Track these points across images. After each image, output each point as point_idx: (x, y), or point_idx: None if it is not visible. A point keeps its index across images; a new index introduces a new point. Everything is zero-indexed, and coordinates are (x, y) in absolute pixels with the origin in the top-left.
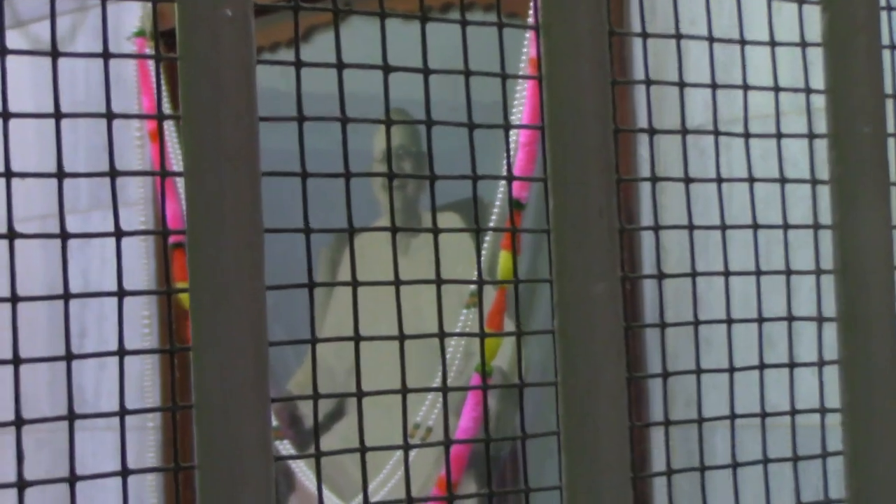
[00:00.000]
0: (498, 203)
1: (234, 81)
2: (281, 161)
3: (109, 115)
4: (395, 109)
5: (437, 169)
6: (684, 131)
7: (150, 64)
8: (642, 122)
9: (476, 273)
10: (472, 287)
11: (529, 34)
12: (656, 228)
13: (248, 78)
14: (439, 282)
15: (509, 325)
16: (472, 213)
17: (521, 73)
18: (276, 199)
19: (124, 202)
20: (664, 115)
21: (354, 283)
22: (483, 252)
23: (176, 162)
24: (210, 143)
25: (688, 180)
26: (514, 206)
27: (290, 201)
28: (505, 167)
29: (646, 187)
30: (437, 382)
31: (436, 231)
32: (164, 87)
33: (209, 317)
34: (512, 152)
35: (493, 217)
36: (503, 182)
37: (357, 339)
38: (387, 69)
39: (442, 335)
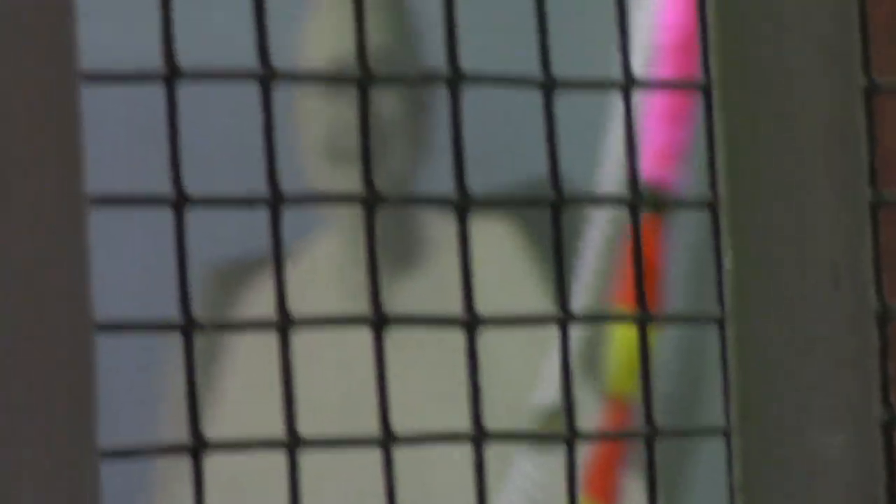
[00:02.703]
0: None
1: None
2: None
3: None
4: None
5: (471, 107)
6: None
7: None
8: None
9: (551, 374)
10: (545, 401)
11: None
12: None
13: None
14: (478, 436)
15: (633, 491)
16: (539, 219)
17: None
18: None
19: None
20: None
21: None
22: (571, 321)
23: None
24: None
25: None
26: (649, 203)
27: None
28: (618, 136)
29: None
30: None
31: (472, 323)
32: None
33: None
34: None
35: (595, 232)
36: (614, 149)
37: None
38: None
39: None
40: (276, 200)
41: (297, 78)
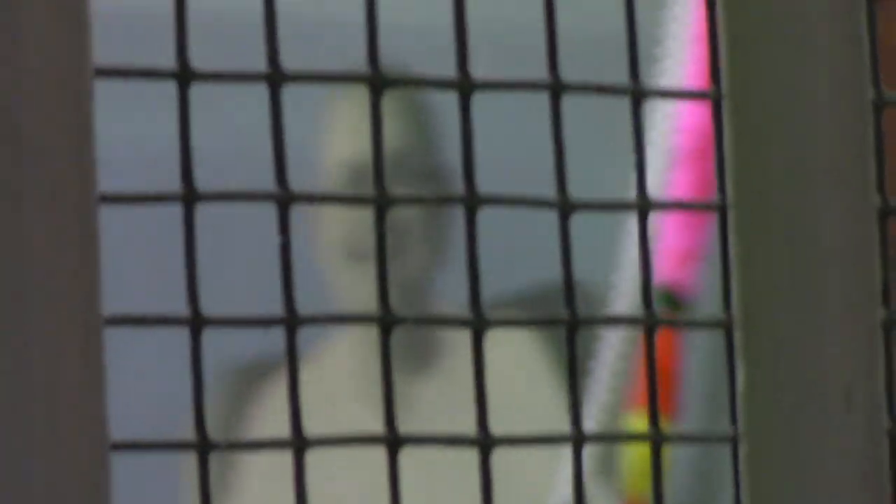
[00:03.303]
0: (621, 297)
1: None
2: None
3: None
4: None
5: (488, 222)
6: None
7: None
8: None
9: (566, 478)
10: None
11: None
12: None
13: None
14: None
15: None
16: (549, 316)
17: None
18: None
19: None
20: None
21: None
22: (585, 441)
23: None
24: None
25: None
26: (666, 303)
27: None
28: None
29: None
30: None
31: (486, 444)
32: None
33: None
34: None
35: (610, 338)
36: (630, 254)
37: None
38: None
39: None
40: (292, 321)
41: (316, 199)
